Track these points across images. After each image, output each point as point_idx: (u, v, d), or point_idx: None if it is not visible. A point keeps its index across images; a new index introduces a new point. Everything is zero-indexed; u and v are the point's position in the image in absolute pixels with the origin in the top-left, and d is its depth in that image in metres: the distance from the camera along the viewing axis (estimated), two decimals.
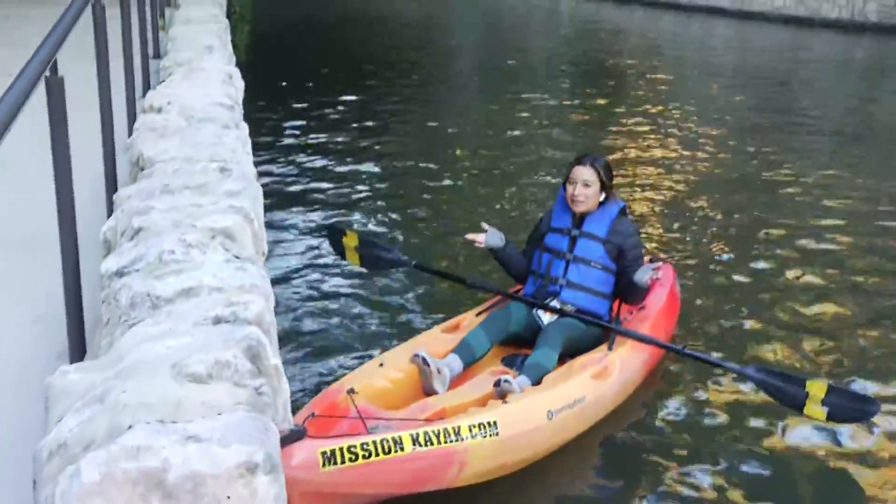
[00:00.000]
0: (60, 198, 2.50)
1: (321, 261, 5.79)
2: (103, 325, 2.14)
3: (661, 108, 11.61)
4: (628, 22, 22.28)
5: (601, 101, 12.12)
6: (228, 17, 8.80)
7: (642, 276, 3.98)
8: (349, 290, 5.35)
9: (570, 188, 4.16)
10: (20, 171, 3.91)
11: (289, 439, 2.78)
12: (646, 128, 10.31)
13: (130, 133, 4.01)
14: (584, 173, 4.12)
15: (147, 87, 5.58)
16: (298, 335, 4.74)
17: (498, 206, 7.13)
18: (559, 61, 16.31)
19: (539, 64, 15.93)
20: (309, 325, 4.90)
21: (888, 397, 4.18)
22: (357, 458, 2.82)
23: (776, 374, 3.80)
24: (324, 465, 2.77)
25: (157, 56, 6.58)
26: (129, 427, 1.51)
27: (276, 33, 16.34)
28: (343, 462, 2.80)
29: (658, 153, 9.10)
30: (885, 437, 3.92)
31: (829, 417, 3.64)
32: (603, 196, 4.16)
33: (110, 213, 3.17)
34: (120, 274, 2.20)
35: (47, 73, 2.43)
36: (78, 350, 2.37)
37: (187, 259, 2.22)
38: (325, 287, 5.41)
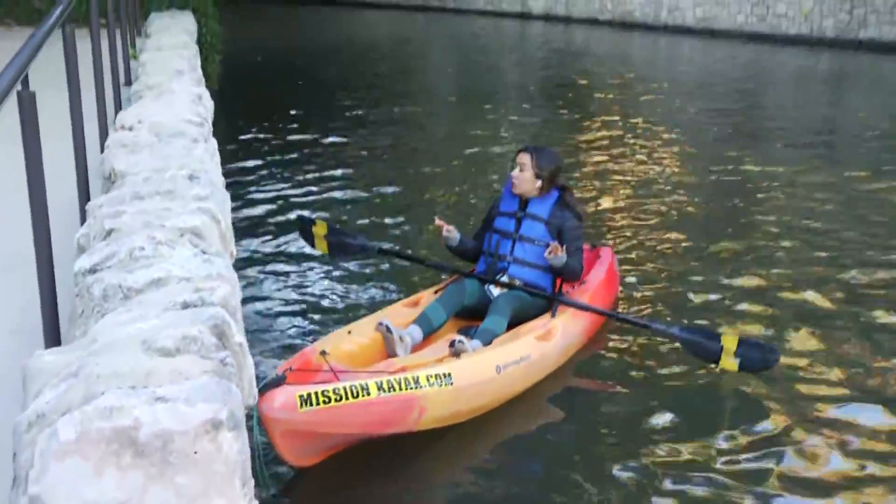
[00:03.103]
0: (34, 208, 2.61)
1: (291, 252, 6.22)
2: (77, 317, 2.25)
3: (627, 117, 11.97)
4: (597, 42, 22.68)
5: (568, 114, 12.44)
6: (200, 46, 8.96)
7: (555, 261, 4.37)
8: (318, 275, 5.81)
9: (513, 172, 4.63)
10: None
11: (270, 385, 3.19)
12: (611, 136, 10.70)
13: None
14: (522, 158, 4.59)
15: (119, 111, 5.69)
16: (272, 314, 5.16)
17: (457, 203, 7.64)
18: (529, 80, 16.61)
19: (509, 82, 16.26)
20: (281, 305, 5.30)
21: (790, 350, 4.71)
22: (330, 401, 3.19)
23: (696, 332, 4.32)
24: (301, 406, 3.14)
25: (129, 83, 6.71)
26: (103, 393, 1.63)
27: (246, 62, 16.54)
28: (318, 404, 3.17)
29: (621, 158, 9.54)
30: (785, 383, 4.41)
31: (741, 368, 4.12)
32: (539, 183, 4.56)
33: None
34: (93, 271, 2.32)
35: (19, 87, 2.56)
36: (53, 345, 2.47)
37: (157, 254, 2.34)
38: (296, 273, 5.85)
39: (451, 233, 4.63)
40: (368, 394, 3.29)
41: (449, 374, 3.61)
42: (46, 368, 1.85)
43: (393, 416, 3.42)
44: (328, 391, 3.20)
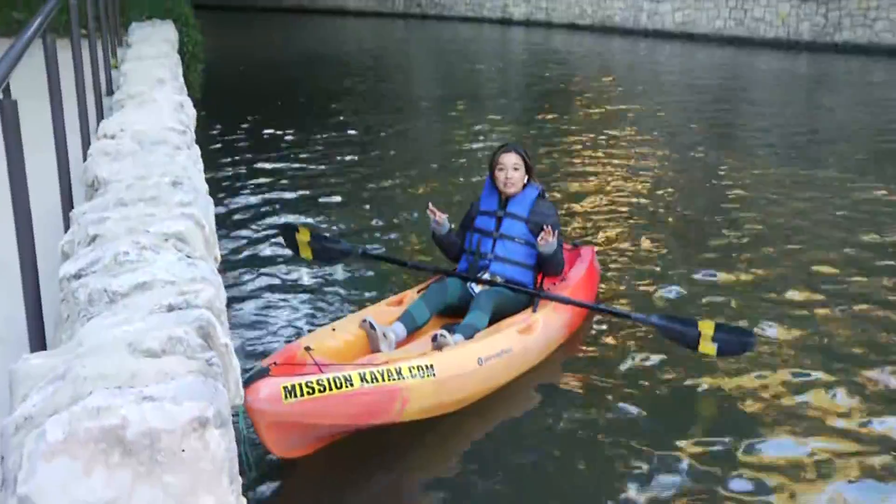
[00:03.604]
0: (17, 217, 2.62)
1: (274, 256, 6.24)
2: (63, 322, 2.26)
3: (606, 119, 12.12)
4: (578, 47, 22.83)
5: (548, 116, 12.56)
6: (181, 55, 8.97)
7: (547, 248, 4.45)
8: (302, 277, 5.84)
9: (500, 174, 4.67)
10: None
11: (255, 377, 3.21)
12: (591, 137, 10.81)
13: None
14: (512, 158, 4.66)
15: (101, 120, 5.68)
16: (257, 315, 5.19)
17: (439, 205, 7.60)
18: (510, 84, 16.73)
19: (490, 86, 16.34)
20: (266, 306, 5.34)
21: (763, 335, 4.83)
22: (314, 392, 3.22)
23: (674, 319, 4.40)
24: (286, 397, 3.17)
25: (110, 93, 6.70)
26: (90, 394, 1.65)
27: (229, 70, 16.54)
28: (302, 395, 3.19)
29: (602, 159, 9.65)
30: (760, 368, 4.51)
31: (719, 352, 4.21)
32: (526, 178, 4.67)
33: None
34: (78, 276, 2.33)
35: (0, 95, 2.57)
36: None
37: (141, 259, 2.36)
38: (279, 276, 5.88)
39: (443, 220, 4.68)
40: (352, 385, 3.34)
41: (431, 366, 3.66)
42: (33, 372, 1.86)
43: (377, 407, 3.46)
44: (312, 382, 3.24)
